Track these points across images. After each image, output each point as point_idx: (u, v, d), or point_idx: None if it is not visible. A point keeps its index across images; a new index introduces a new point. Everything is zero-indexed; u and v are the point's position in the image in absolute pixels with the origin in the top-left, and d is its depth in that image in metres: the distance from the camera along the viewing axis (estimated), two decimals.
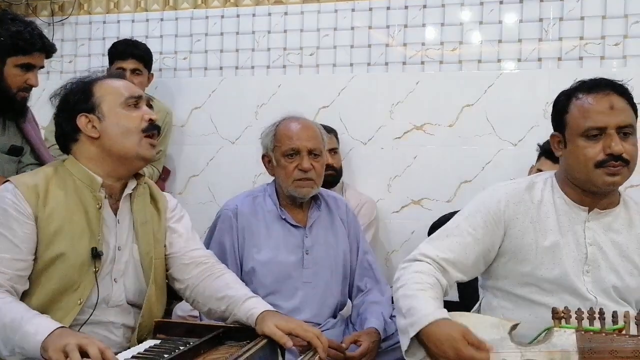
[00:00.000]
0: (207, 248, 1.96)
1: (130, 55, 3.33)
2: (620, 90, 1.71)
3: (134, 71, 3.32)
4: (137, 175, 1.76)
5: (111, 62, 3.37)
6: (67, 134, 1.70)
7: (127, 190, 1.73)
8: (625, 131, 1.67)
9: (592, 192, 1.74)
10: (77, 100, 1.68)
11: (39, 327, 1.42)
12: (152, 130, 1.71)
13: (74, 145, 1.70)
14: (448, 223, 1.83)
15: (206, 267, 1.81)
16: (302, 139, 2.21)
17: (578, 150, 1.70)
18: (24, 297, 1.59)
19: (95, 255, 1.61)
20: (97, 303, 1.63)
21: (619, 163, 1.66)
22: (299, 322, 1.63)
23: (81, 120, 1.66)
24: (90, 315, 1.62)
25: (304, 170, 2.19)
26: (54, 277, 1.59)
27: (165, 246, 1.81)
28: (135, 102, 1.70)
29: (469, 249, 1.76)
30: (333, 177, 3.15)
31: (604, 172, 1.66)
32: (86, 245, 1.62)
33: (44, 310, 1.55)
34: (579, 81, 1.77)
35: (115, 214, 1.70)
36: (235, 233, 2.23)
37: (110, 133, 1.66)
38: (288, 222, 2.26)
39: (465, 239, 1.76)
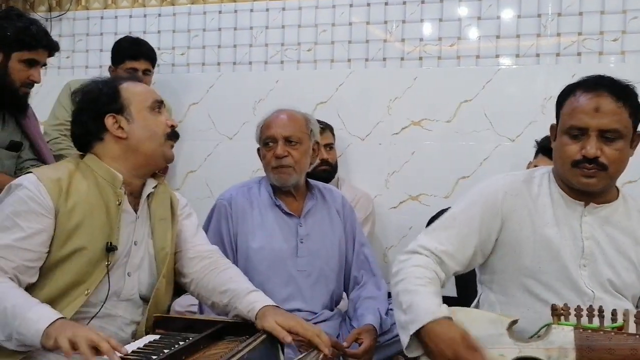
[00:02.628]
0: None
1: (142, 55, 3.32)
2: (618, 92, 1.66)
3: (145, 71, 3.32)
4: (155, 175, 1.83)
5: (120, 60, 3.31)
6: (91, 133, 1.74)
7: (148, 189, 1.79)
8: (607, 135, 1.64)
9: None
10: (105, 101, 1.73)
11: (42, 315, 1.44)
12: (174, 137, 1.82)
13: (96, 144, 1.74)
14: (446, 214, 1.83)
15: (210, 262, 1.85)
16: (277, 127, 2.25)
17: (560, 146, 1.71)
18: (33, 289, 1.59)
19: (110, 249, 1.65)
20: (107, 296, 1.66)
21: (593, 166, 1.65)
22: (298, 320, 1.63)
23: (108, 121, 1.72)
24: (101, 308, 1.65)
25: (278, 156, 2.21)
26: (70, 271, 1.61)
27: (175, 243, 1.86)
28: (158, 106, 1.78)
29: (467, 241, 1.76)
30: (328, 172, 3.16)
31: (578, 172, 1.67)
32: (103, 239, 1.65)
33: (51, 301, 1.56)
34: (586, 77, 1.74)
35: (136, 211, 1.75)
36: (230, 221, 2.26)
37: (138, 135, 1.73)
38: (282, 210, 2.28)
39: (463, 230, 1.76)
